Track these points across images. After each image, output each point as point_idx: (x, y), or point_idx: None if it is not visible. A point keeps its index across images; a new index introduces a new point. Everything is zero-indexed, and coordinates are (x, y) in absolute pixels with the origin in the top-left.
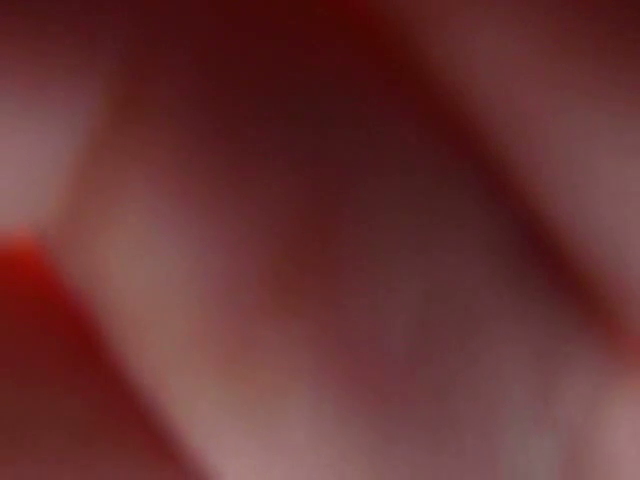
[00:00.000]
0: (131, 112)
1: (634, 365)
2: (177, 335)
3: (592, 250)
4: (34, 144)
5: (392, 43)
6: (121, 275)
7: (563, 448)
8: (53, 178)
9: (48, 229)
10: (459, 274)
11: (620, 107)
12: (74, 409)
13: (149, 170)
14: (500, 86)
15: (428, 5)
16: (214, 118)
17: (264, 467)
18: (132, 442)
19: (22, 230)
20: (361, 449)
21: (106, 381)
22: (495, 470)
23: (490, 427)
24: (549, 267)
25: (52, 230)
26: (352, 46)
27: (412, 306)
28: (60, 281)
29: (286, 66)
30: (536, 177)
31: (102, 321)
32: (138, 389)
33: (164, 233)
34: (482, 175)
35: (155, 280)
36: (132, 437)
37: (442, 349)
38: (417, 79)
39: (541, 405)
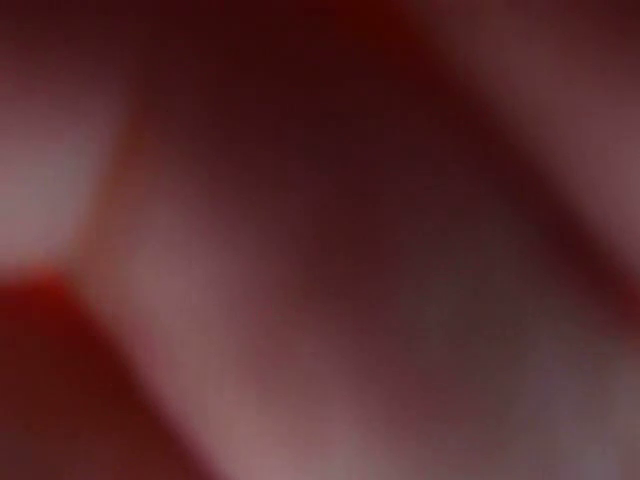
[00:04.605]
0: (148, 133)
1: None
2: (210, 352)
3: (631, 246)
4: (52, 173)
5: (419, 48)
6: (150, 297)
7: (624, 453)
8: (72, 207)
9: (70, 260)
10: (496, 280)
11: None
12: (107, 443)
13: (171, 188)
14: (532, 88)
15: (454, 9)
16: (234, 130)
17: None
18: (168, 472)
19: (43, 263)
20: (408, 466)
21: (139, 412)
22: (550, 476)
23: (545, 439)
24: (590, 267)
25: (74, 260)
26: (377, 51)
27: (449, 312)
28: (85, 312)
29: (309, 72)
30: (571, 178)
31: (131, 349)
32: (172, 417)
33: (191, 249)
34: (516, 176)
35: (185, 298)
36: (167, 467)
37: (485, 358)
38: (444, 81)
39: (597, 411)
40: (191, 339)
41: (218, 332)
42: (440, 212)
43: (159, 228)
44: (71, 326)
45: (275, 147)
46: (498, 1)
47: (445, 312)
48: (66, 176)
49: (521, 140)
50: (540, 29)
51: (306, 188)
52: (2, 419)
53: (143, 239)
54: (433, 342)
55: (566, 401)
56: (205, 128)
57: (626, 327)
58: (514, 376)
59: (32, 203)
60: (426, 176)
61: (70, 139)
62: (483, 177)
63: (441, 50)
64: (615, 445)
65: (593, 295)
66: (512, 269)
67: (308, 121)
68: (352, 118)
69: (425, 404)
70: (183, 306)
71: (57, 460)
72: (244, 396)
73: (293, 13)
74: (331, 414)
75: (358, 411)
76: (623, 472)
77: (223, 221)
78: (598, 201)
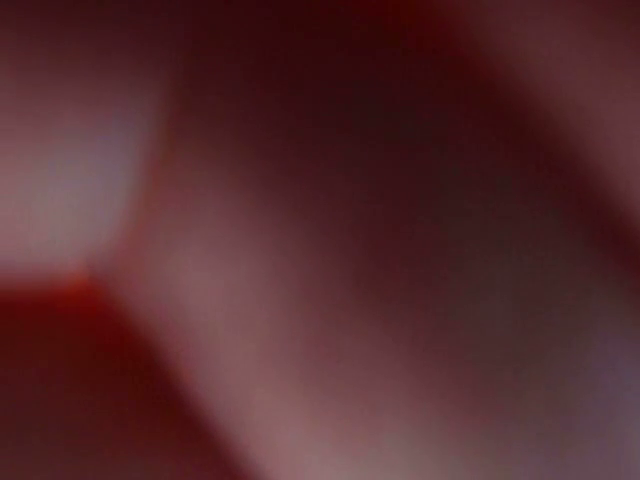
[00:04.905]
0: (188, 127)
1: None
2: (259, 349)
3: None
4: (88, 173)
5: (464, 55)
6: (192, 299)
7: None
8: (110, 208)
9: (107, 263)
10: (554, 283)
11: None
12: (147, 451)
13: (213, 187)
14: (586, 93)
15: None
16: (278, 127)
17: None
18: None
19: (79, 266)
20: (473, 456)
21: (181, 421)
22: (621, 474)
23: (611, 425)
24: None
25: (111, 263)
26: (421, 56)
27: (509, 302)
28: (123, 317)
29: (355, 77)
30: (622, 177)
31: (172, 354)
32: (216, 425)
33: (240, 242)
34: (568, 174)
35: (234, 293)
36: (212, 475)
37: (544, 355)
38: (494, 89)
39: None
40: (236, 343)
41: (265, 335)
42: (493, 213)
43: (201, 228)
44: (108, 332)
45: (329, 144)
46: None
47: (500, 313)
48: (103, 177)
49: (575, 147)
50: (568, 10)
51: (362, 183)
52: (39, 429)
53: (184, 240)
54: (488, 342)
55: (635, 391)
56: (249, 124)
57: None
58: (576, 375)
59: (68, 204)
60: (480, 176)
61: (107, 137)
62: (533, 178)
63: (471, 35)
64: None
65: None
66: (570, 270)
67: (364, 128)
68: (404, 129)
69: (481, 401)
70: (227, 308)
71: (94, 472)
72: (293, 401)
73: (337, 16)
74: (383, 418)
75: (413, 417)
76: None
77: (269, 220)
78: None
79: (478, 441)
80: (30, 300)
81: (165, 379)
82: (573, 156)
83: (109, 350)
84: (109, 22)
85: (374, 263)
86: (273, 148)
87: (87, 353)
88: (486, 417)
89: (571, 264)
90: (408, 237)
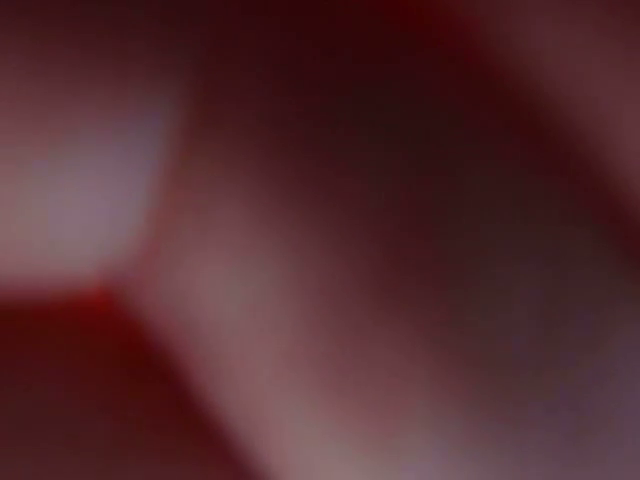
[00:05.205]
0: (204, 134)
1: None
2: (277, 356)
3: None
4: (103, 181)
5: (482, 59)
6: (212, 302)
7: None
8: (125, 215)
9: (122, 272)
10: (576, 274)
11: None
12: (162, 463)
13: (234, 194)
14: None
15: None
16: (298, 126)
17: None
18: None
19: (95, 275)
20: (492, 460)
21: (198, 431)
22: None
23: (635, 430)
24: None
25: (126, 273)
26: (439, 59)
27: (531, 308)
28: (137, 327)
29: (371, 81)
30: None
31: (188, 364)
32: (231, 433)
33: (258, 249)
34: (586, 176)
35: (252, 299)
36: None
37: (563, 359)
38: (511, 90)
39: None
40: (253, 349)
41: (284, 341)
42: (514, 216)
43: (218, 235)
44: (125, 340)
45: (345, 148)
46: None
47: (522, 318)
48: (120, 186)
49: (589, 146)
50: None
51: (379, 187)
52: (56, 435)
53: (201, 249)
54: (510, 347)
55: None
56: (266, 129)
57: None
58: (599, 382)
59: (84, 213)
60: (500, 180)
61: (124, 147)
62: (552, 180)
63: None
64: None
65: None
66: (590, 271)
67: (380, 129)
68: (426, 125)
69: (502, 406)
70: (245, 315)
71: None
72: (313, 407)
73: (356, 14)
74: (404, 424)
75: (434, 421)
76: None
77: (286, 226)
78: None
79: (498, 445)
80: (47, 309)
81: (181, 387)
82: (591, 157)
83: (126, 358)
84: (128, 32)
85: (394, 268)
86: (290, 152)
87: (103, 361)
88: (507, 422)
89: (594, 268)
90: (428, 240)
